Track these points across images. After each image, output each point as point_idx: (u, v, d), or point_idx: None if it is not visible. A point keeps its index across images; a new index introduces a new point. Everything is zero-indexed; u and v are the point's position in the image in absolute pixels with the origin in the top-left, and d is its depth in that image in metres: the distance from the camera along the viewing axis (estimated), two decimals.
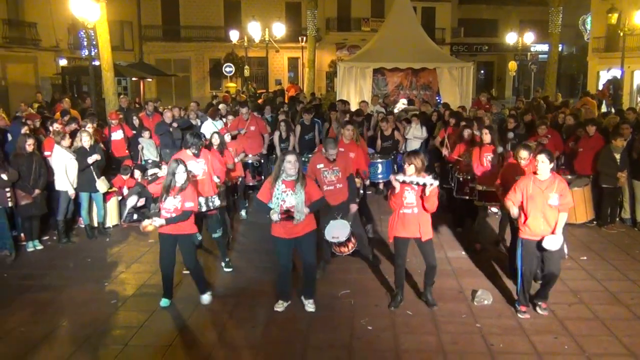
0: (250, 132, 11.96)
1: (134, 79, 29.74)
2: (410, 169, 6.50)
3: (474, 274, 8.03)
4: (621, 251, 8.96)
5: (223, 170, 8.49)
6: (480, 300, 7.03)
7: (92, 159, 9.49)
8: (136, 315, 6.78)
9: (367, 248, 8.21)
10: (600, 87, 29.13)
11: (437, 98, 18.52)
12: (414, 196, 6.58)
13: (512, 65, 35.98)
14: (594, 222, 10.08)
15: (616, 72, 25.28)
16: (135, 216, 10.68)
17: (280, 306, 6.93)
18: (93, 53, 16.78)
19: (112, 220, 10.36)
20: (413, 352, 5.89)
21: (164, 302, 7.06)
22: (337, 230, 7.42)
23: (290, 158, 6.49)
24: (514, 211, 6.64)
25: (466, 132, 9.67)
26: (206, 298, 7.11)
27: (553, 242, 6.39)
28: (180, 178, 6.69)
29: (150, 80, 32.83)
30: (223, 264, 8.25)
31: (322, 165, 7.69)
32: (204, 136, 9.12)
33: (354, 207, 7.89)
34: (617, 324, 6.44)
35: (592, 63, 35.03)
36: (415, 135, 12.93)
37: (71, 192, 9.42)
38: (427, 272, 6.93)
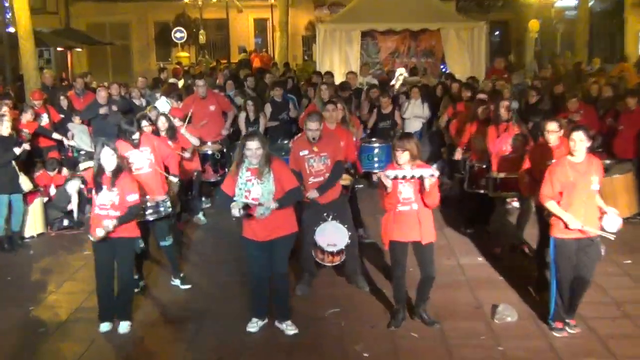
0: (209, 113, 11.59)
1: (59, 49, 29.42)
2: (404, 156, 6.53)
3: (494, 285, 8.10)
4: None
5: (175, 157, 8.42)
6: (503, 317, 7.08)
7: (19, 149, 9.43)
8: (71, 346, 6.74)
9: (355, 260, 8.01)
10: None
11: (441, 67, 18.60)
12: (411, 190, 6.62)
13: (534, 24, 36.18)
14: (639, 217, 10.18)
15: None
16: (65, 222, 10.62)
17: (254, 326, 6.95)
18: (7, 18, 16.55)
19: (36, 227, 10.25)
20: None
21: (104, 326, 7.00)
22: (333, 236, 7.36)
23: (251, 145, 6.45)
24: (561, 214, 6.53)
25: (480, 109, 9.69)
26: (124, 326, 6.99)
27: (614, 222, 6.49)
28: (109, 163, 6.65)
29: (80, 50, 32.44)
30: (178, 281, 8.19)
31: (306, 152, 7.60)
32: (150, 119, 8.96)
33: (313, 193, 7.58)
34: None
35: (631, 21, 35.38)
36: (415, 114, 12.91)
37: None
38: (421, 284, 6.96)
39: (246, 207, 6.51)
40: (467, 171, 9.52)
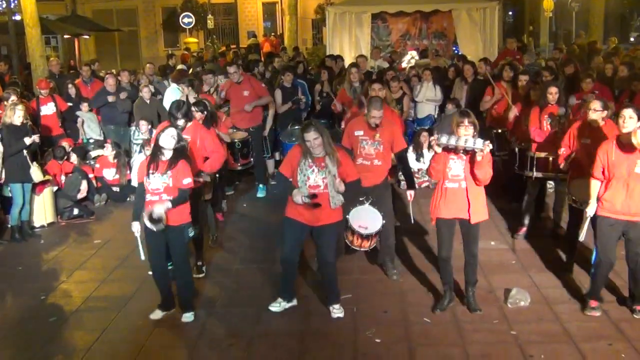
0: (243, 98, 11.19)
1: (66, 36, 29.52)
2: (470, 130, 6.41)
3: (507, 270, 8.12)
4: None
5: (221, 154, 8.20)
6: (516, 301, 7.10)
7: (29, 139, 9.46)
8: (83, 335, 6.82)
9: (387, 251, 7.98)
10: None
11: (453, 48, 18.51)
12: (461, 167, 6.56)
13: (548, 3, 35.90)
14: None
15: None
16: (75, 211, 10.71)
17: (276, 306, 7.03)
18: (13, 5, 16.62)
19: (46, 217, 10.34)
20: None
21: (157, 314, 7.07)
22: (366, 219, 7.35)
23: (308, 136, 6.46)
24: (592, 197, 6.59)
25: (532, 92, 9.64)
26: (189, 317, 7.06)
27: None
28: (167, 142, 6.56)
29: (87, 37, 32.53)
30: (194, 268, 8.17)
31: (361, 133, 7.56)
32: (204, 106, 8.77)
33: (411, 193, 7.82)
34: None
35: None
36: (427, 98, 12.85)
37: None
38: (465, 265, 6.97)
39: (313, 196, 6.55)
40: (517, 154, 9.40)
